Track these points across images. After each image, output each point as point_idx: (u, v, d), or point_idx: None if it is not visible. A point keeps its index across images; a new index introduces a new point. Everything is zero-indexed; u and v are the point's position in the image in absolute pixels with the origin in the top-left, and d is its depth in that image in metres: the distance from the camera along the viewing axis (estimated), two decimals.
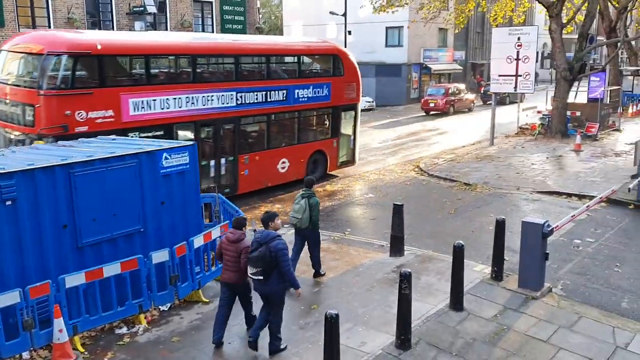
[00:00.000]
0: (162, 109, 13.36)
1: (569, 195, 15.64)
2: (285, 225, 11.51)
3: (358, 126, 19.09)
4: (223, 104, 14.70)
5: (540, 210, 14.41)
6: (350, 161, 19.04)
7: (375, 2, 25.51)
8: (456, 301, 8.48)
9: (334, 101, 17.81)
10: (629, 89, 34.85)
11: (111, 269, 7.72)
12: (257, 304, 7.65)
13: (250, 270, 7.12)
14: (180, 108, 13.73)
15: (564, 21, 25.31)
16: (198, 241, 8.89)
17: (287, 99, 16.40)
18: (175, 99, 13.61)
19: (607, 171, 18.06)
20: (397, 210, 10.52)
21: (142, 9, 27.94)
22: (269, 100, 15.88)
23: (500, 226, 9.39)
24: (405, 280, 7.20)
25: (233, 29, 32.90)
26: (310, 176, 10.54)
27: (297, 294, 7.48)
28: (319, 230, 9.79)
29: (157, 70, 14.35)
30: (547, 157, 20.70)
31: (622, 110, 29.59)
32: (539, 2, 25.16)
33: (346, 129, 18.64)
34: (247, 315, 7.97)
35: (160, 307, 8.61)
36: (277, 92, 16.07)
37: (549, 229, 8.87)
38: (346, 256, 10.82)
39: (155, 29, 29.38)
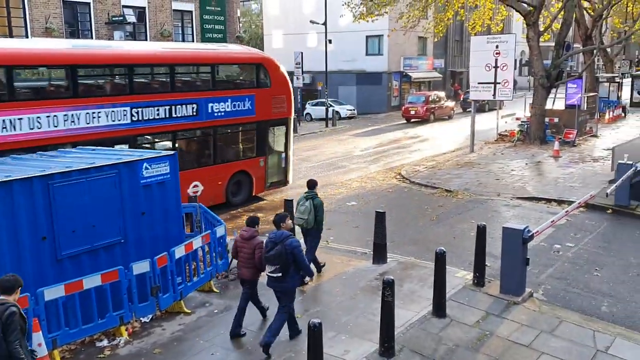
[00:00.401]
0: (32, 128, 11.59)
1: (548, 200, 15.83)
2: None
3: (291, 143, 17.68)
4: (114, 121, 13.01)
5: (521, 215, 14.56)
6: (282, 181, 17.52)
7: (355, 11, 25.66)
8: (439, 308, 8.51)
9: (259, 116, 16.25)
10: (605, 96, 35.49)
11: (91, 281, 7.61)
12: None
13: (268, 268, 7.45)
14: (57, 127, 11.97)
15: (541, 29, 25.69)
16: (179, 251, 8.83)
17: (199, 114, 14.79)
18: (49, 116, 11.86)
19: (585, 176, 18.32)
20: (380, 218, 10.55)
21: (122, 18, 27.79)
22: (174, 115, 14.23)
23: (481, 232, 9.47)
24: (388, 287, 7.21)
25: (213, 38, 32.85)
26: (313, 178, 10.70)
27: (308, 282, 8.67)
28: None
29: (24, 84, 12.59)
30: (526, 163, 20.95)
31: (599, 116, 30.09)
32: (517, 11, 25.56)
33: (276, 146, 17.19)
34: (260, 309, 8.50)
35: (141, 318, 8.51)
36: (184, 106, 14.41)
37: (529, 235, 8.96)
38: (329, 264, 10.79)
39: (134, 39, 29.25)
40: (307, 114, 41.83)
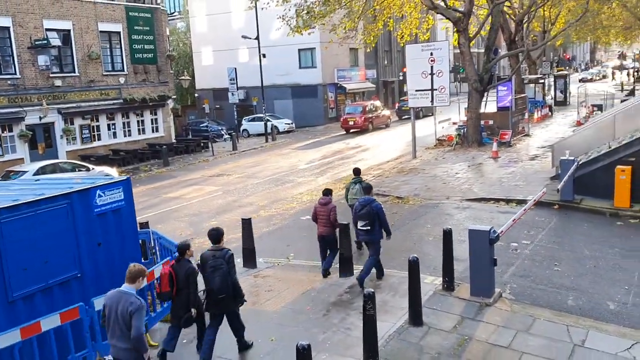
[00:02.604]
0: None
1: (497, 200, 16.18)
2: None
3: None
4: None
5: (473, 217, 14.77)
6: None
7: (292, 24, 25.60)
8: (415, 316, 8.40)
9: None
10: (532, 96, 37.03)
11: (50, 322, 7.02)
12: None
13: (360, 223, 9.80)
14: None
15: (471, 35, 26.48)
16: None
17: None
18: None
19: (526, 175, 18.89)
20: (344, 230, 10.39)
21: (45, 42, 26.59)
22: None
23: (447, 236, 9.48)
24: (369, 300, 7.04)
25: (144, 58, 32.03)
26: (358, 166, 13.19)
27: (387, 239, 10.07)
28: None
29: None
30: (469, 166, 21.42)
31: (529, 116, 31.31)
32: (447, 18, 26.25)
33: None
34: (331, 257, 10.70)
35: (105, 357, 7.93)
36: None
37: (495, 235, 9.04)
38: (296, 282, 10.53)
39: (60, 62, 28.03)
40: (244, 130, 41.37)
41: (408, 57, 24.34)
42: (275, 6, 25.63)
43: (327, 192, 10.81)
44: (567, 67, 74.06)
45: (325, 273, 10.53)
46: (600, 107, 32.56)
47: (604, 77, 78.15)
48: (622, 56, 73.07)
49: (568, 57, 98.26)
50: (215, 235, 7.56)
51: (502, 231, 9.35)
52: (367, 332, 7.12)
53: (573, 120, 32.88)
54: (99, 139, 29.93)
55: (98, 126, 29.88)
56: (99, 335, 7.55)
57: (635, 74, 64.20)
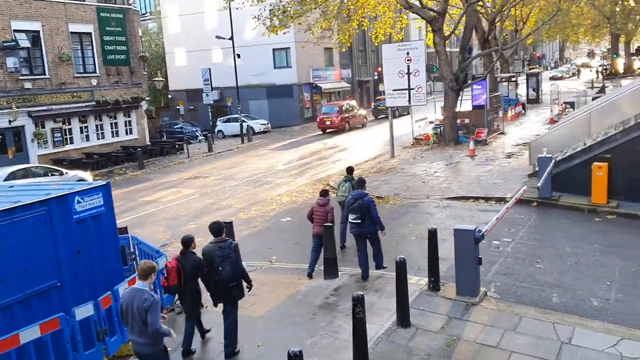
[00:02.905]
0: None
1: (476, 198, 16.27)
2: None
3: None
4: None
5: (454, 215, 14.81)
6: None
7: (268, 24, 25.41)
8: (403, 317, 8.35)
9: None
10: (505, 94, 37.40)
11: (29, 333, 6.77)
12: None
13: (351, 217, 10.18)
14: None
15: (446, 34, 26.62)
16: (123, 289, 8.07)
17: None
18: None
19: (504, 173, 19.05)
20: (328, 231, 10.29)
21: (14, 43, 25.92)
22: None
23: (432, 236, 9.46)
24: (358, 304, 6.95)
25: (116, 59, 31.48)
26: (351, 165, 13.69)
27: (382, 234, 10.44)
28: None
29: None
30: (447, 165, 21.53)
31: (503, 114, 31.62)
32: (422, 18, 26.35)
33: None
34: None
35: None
36: None
37: (480, 234, 9.04)
38: (280, 285, 10.40)
39: (30, 64, 27.38)
40: (219, 131, 40.97)
41: (384, 57, 24.35)
42: (250, 6, 25.40)
43: (325, 194, 11.15)
44: (538, 65, 75.10)
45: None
46: (572, 105, 33.04)
47: (574, 74, 79.55)
48: (591, 54, 74.44)
49: (538, 55, 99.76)
50: (217, 228, 7.81)
51: (487, 230, 9.35)
52: (357, 336, 7.03)
53: (546, 117, 33.35)
54: (72, 142, 29.29)
55: (70, 129, 29.25)
56: (81, 345, 7.32)
57: (604, 71, 65.50)
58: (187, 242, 7.94)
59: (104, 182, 8.67)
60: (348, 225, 10.62)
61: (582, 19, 57.25)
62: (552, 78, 66.41)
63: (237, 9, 25.17)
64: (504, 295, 9.65)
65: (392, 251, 12.35)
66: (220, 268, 7.52)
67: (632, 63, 67.86)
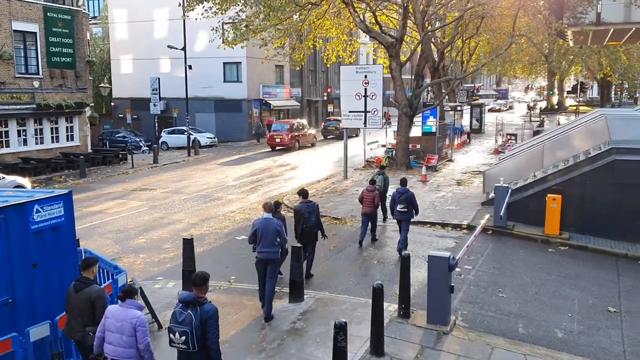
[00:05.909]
0: None
1: (433, 224, 16.36)
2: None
3: None
4: None
5: (413, 240, 14.75)
6: None
7: (227, 36, 24.94)
8: (377, 345, 8.12)
9: None
10: (451, 123, 38.33)
11: None
12: None
13: (399, 206, 13.21)
14: None
15: (403, 60, 27.00)
16: None
17: None
18: None
19: (457, 199, 19.30)
20: (295, 253, 9.98)
21: None
22: None
23: (405, 262, 9.31)
24: (340, 331, 6.68)
25: (61, 62, 30.12)
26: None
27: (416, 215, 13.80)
28: None
29: None
30: None
31: (450, 142, 32.32)
32: (380, 43, 26.63)
33: None
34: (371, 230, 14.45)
35: None
36: None
37: (454, 262, 8.98)
38: (242, 308, 9.96)
39: None
40: (163, 142, 39.88)
41: (342, 78, 24.37)
42: (206, 18, 24.90)
43: (373, 181, 14.52)
44: (478, 97, 77.78)
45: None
46: (515, 136, 34.21)
47: (510, 107, 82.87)
48: (529, 88, 77.89)
49: (477, 87, 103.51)
50: (305, 192, 11.65)
51: (459, 257, 9.32)
52: None
53: (490, 147, 34.38)
54: (7, 146, 27.62)
55: (7, 132, 27.60)
56: None
57: (535, 106, 68.87)
58: (275, 206, 10.67)
59: (66, 191, 8.04)
60: (395, 212, 13.49)
61: (522, 54, 59.75)
62: (490, 110, 68.81)
63: (196, 19, 24.57)
64: (471, 325, 9.60)
65: (356, 275, 12.21)
66: (307, 219, 10.97)
67: (565, 100, 71.65)
